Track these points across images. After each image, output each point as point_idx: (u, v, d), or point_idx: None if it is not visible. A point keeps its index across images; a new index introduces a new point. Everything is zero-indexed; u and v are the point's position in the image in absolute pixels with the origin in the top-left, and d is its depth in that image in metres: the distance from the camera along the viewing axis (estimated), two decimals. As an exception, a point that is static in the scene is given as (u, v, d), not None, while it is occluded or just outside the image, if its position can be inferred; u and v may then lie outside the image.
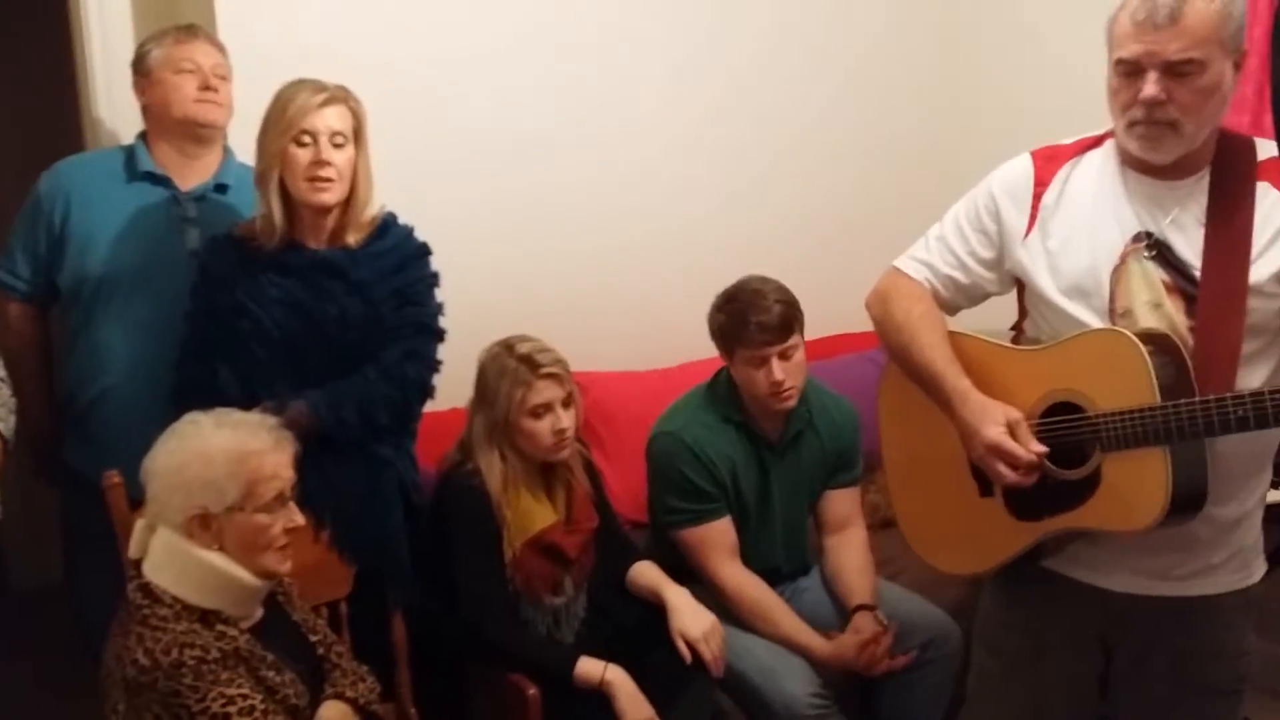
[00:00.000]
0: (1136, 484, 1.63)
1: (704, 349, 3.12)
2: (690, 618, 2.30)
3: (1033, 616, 1.87)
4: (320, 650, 1.94)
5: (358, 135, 2.20)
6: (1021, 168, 1.80)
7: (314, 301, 2.18)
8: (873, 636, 2.41)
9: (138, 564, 1.78)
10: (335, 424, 2.15)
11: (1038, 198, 1.76)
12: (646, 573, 2.44)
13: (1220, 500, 1.67)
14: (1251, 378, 1.64)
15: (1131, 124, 1.63)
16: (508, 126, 3.03)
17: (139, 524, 1.82)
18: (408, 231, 2.32)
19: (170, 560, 1.75)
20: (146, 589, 1.74)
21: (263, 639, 1.79)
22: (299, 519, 1.83)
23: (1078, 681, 1.86)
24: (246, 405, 1.99)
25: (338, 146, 2.16)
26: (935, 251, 1.87)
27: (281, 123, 2.14)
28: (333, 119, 2.16)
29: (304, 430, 2.02)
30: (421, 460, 2.39)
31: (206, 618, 1.73)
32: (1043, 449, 1.68)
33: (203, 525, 1.75)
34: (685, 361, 3.20)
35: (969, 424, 1.73)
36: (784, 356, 2.45)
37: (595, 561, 2.44)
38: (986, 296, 1.89)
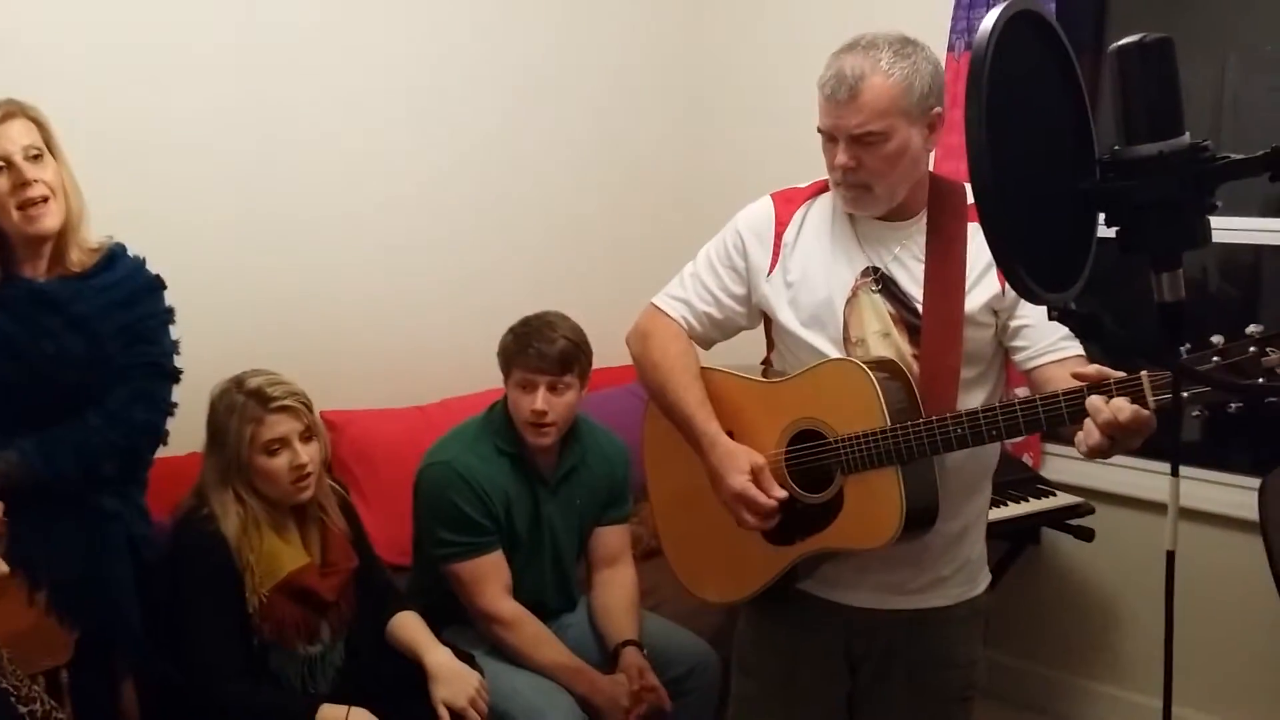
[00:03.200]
0: (874, 503, 1.73)
1: (465, 385, 3.10)
2: (454, 684, 2.24)
3: (785, 638, 1.95)
4: (35, 723, 1.77)
5: (50, 145, 2.03)
6: (763, 208, 1.90)
7: (28, 338, 2.00)
8: (640, 673, 2.43)
9: None
10: (51, 475, 1.97)
11: (779, 236, 1.86)
12: (407, 627, 2.37)
13: (948, 515, 1.78)
14: (972, 401, 1.76)
15: (835, 184, 1.78)
16: (251, 147, 2.88)
17: None
18: (139, 264, 2.16)
19: None
20: None
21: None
22: (2, 567, 1.68)
23: (829, 698, 1.94)
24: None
25: (34, 160, 1.99)
26: (690, 288, 1.94)
27: None
28: (19, 135, 1.98)
29: (15, 482, 1.86)
30: (156, 511, 2.23)
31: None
32: (782, 494, 1.77)
33: None
34: (446, 398, 3.15)
35: (715, 470, 1.81)
36: (553, 390, 2.46)
37: (355, 606, 2.34)
38: (739, 330, 1.97)
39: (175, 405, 2.16)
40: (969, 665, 1.92)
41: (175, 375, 2.16)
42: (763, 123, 3.68)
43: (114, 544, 2.10)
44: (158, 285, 2.18)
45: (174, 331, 2.18)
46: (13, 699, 1.77)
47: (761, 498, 1.75)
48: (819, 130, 1.75)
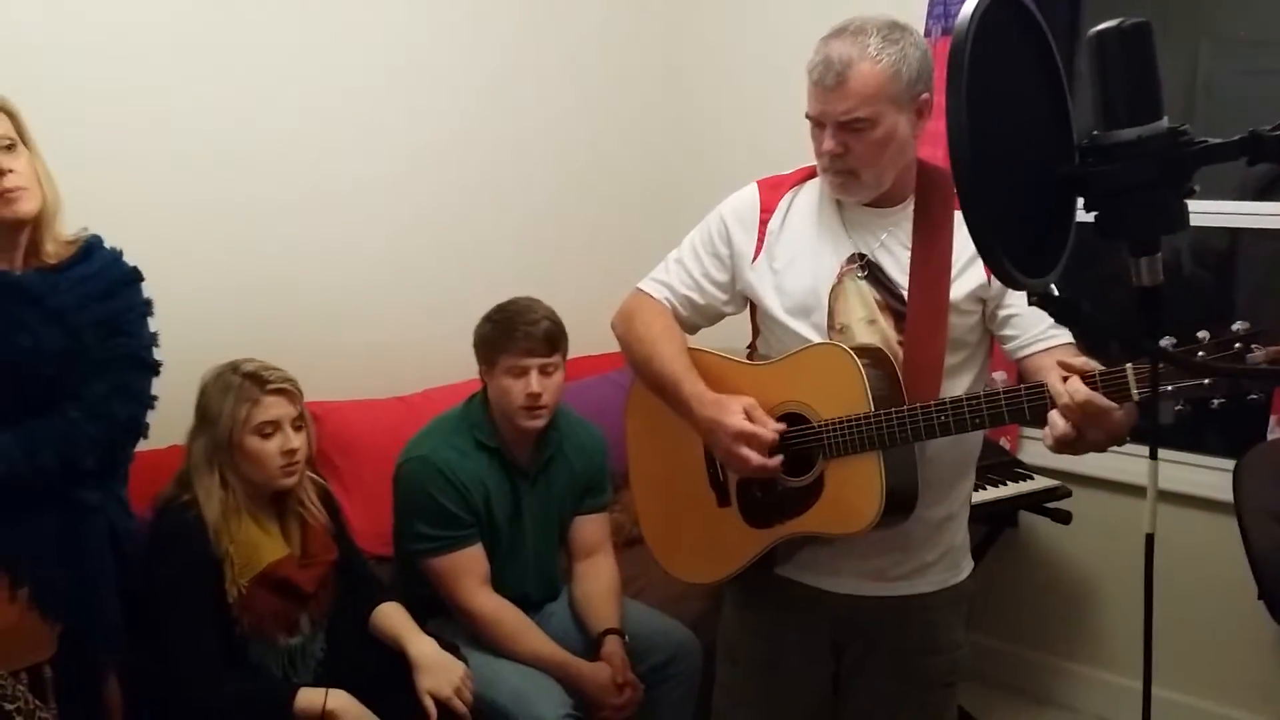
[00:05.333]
0: (854, 488, 1.74)
1: (446, 375, 3.08)
2: (438, 674, 2.24)
3: (768, 622, 1.96)
4: (20, 719, 1.75)
5: (22, 136, 2.01)
6: (749, 195, 1.90)
7: (4, 331, 1.97)
8: (622, 664, 2.44)
9: None
10: (31, 470, 1.95)
11: (764, 224, 1.86)
12: (390, 618, 2.37)
13: (930, 502, 1.80)
14: (955, 388, 1.77)
15: (823, 170, 1.78)
16: (225, 132, 2.84)
17: None
18: (115, 255, 2.14)
19: None
20: None
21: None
22: None
23: (812, 684, 1.95)
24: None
25: (7, 149, 1.97)
26: (674, 273, 1.95)
27: None
28: None
29: (-6, 477, 1.82)
30: (137, 504, 2.21)
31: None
32: (780, 426, 1.77)
33: None
34: (428, 388, 3.14)
35: (710, 418, 1.80)
36: (544, 372, 2.47)
37: (335, 598, 2.34)
38: (722, 316, 1.97)
39: (155, 398, 2.14)
40: (953, 650, 1.93)
41: (155, 368, 2.14)
42: (747, 109, 3.69)
43: (95, 537, 2.07)
44: (135, 277, 2.15)
45: (152, 324, 2.16)
46: (-4, 695, 1.76)
47: (762, 430, 1.75)
48: (807, 116, 1.75)
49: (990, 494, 2.99)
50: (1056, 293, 1.18)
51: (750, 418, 1.76)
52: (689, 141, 3.85)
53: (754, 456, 1.75)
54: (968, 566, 1.95)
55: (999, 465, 3.11)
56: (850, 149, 1.71)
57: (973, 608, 1.97)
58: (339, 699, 2.14)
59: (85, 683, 2.07)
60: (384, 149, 3.17)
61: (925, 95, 1.73)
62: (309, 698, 2.13)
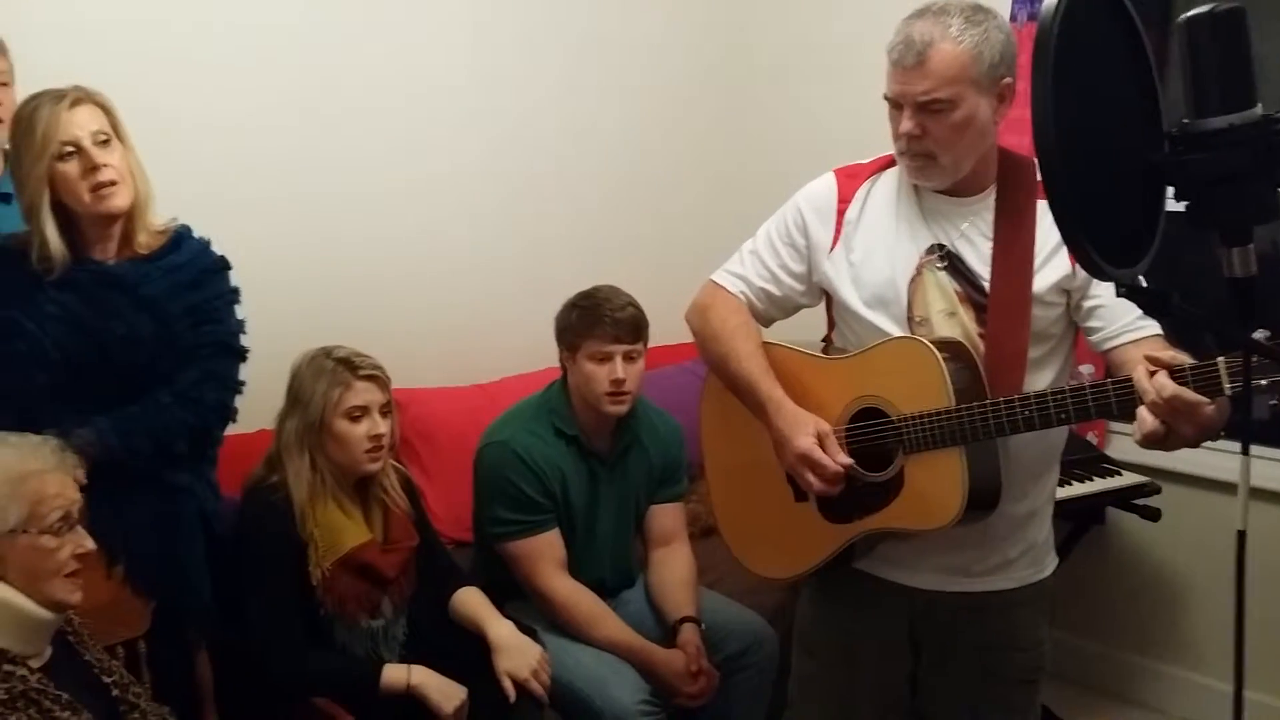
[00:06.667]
0: (935, 484, 1.71)
1: (524, 363, 3.12)
2: (516, 656, 2.26)
3: (846, 617, 1.94)
4: (116, 692, 1.83)
5: (117, 130, 2.07)
6: (826, 185, 1.88)
7: (99, 320, 2.04)
8: (697, 652, 2.44)
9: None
10: (127, 453, 2.02)
11: (841, 214, 1.84)
12: (469, 602, 2.40)
13: (1013, 498, 1.76)
14: (1039, 381, 1.73)
15: (900, 153, 1.74)
16: (310, 125, 2.92)
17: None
18: (204, 245, 2.20)
19: None
20: None
21: (54, 680, 1.67)
22: (89, 544, 1.75)
23: (889, 679, 1.93)
24: (25, 436, 1.84)
25: (103, 144, 2.03)
26: (749, 265, 1.93)
27: (35, 145, 1.98)
28: (88, 120, 2.02)
29: (92, 459, 1.90)
30: (225, 487, 2.27)
31: (-9, 657, 1.62)
32: (848, 461, 1.75)
33: None
34: (505, 376, 3.17)
35: (781, 433, 1.78)
36: (628, 358, 2.49)
37: (416, 583, 2.38)
38: (798, 308, 1.95)
39: (243, 383, 2.20)
40: (1034, 648, 1.89)
41: (242, 354, 2.20)
42: (824, 97, 3.63)
43: (187, 518, 2.14)
44: (223, 266, 2.21)
45: (239, 311, 2.22)
46: (95, 670, 1.82)
47: (828, 461, 1.73)
48: (885, 98, 1.72)
49: (1076, 489, 2.92)
50: (1145, 284, 1.15)
51: (822, 444, 1.75)
52: (766, 129, 3.81)
53: (816, 484, 1.75)
54: (1051, 563, 1.91)
55: (1085, 460, 3.04)
56: (928, 131, 1.67)
57: (1056, 605, 1.94)
58: (422, 674, 2.18)
59: (177, 659, 2.14)
60: (465, 141, 3.22)
61: (1008, 80, 1.69)
62: (394, 673, 2.18)
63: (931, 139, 1.68)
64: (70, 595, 1.72)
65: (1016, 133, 1.99)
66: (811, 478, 1.75)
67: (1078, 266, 1.69)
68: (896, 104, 1.70)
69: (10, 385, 2.02)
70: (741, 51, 3.82)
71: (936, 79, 1.64)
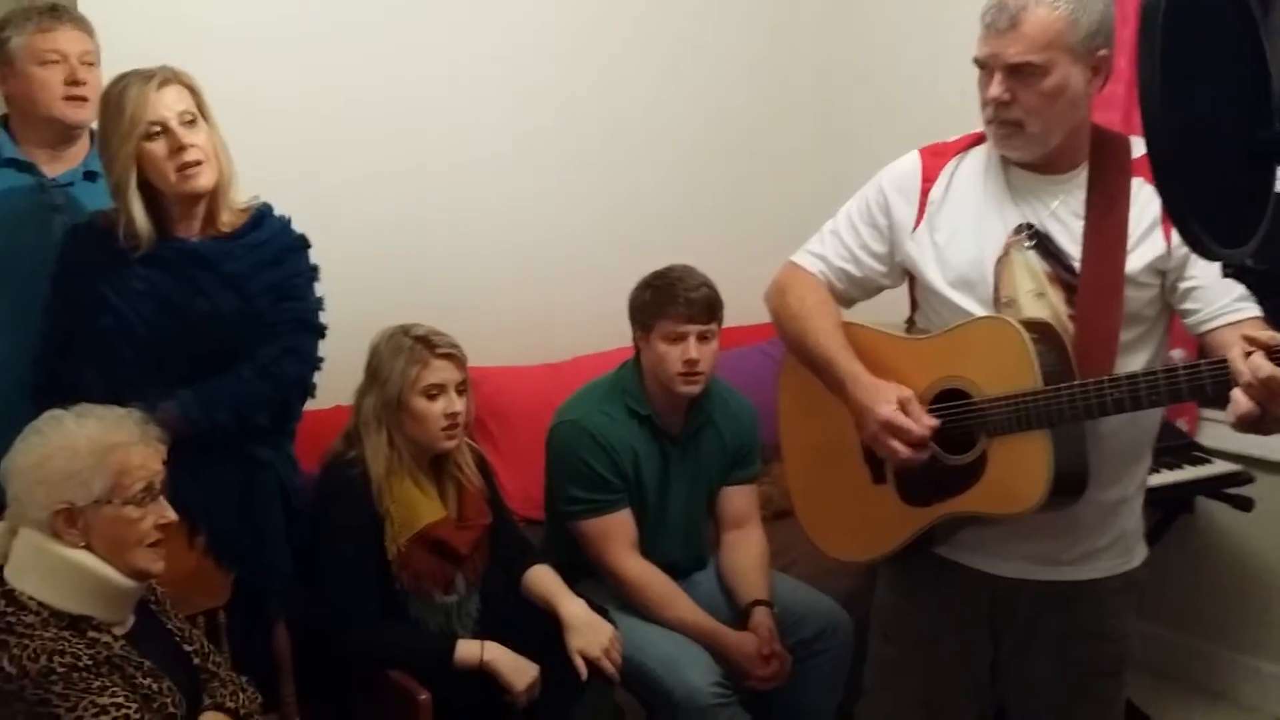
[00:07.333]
0: (1019, 468, 1.66)
1: (596, 342, 3.12)
2: (588, 634, 2.27)
3: (925, 603, 1.90)
4: (196, 660, 1.87)
5: (202, 110, 2.10)
6: (910, 164, 1.83)
7: (184, 296, 2.08)
8: (770, 635, 2.42)
9: (-1, 570, 1.69)
10: (209, 426, 2.06)
11: (925, 193, 1.79)
12: (542, 580, 2.41)
13: (1103, 485, 1.70)
14: (1131, 364, 1.67)
15: (987, 121, 1.69)
16: (391, 105, 2.94)
17: (-1, 527, 1.73)
18: (284, 223, 2.23)
19: (35, 563, 1.69)
20: (10, 595, 1.66)
21: (136, 647, 1.72)
22: (171, 515, 1.77)
23: (969, 667, 1.89)
24: (112, 407, 1.88)
25: (189, 124, 2.06)
26: (829, 245, 1.90)
27: (123, 124, 2.02)
28: (175, 101, 2.05)
29: (175, 432, 1.93)
30: (303, 462, 2.31)
31: (77, 624, 1.66)
32: (934, 422, 1.70)
33: (68, 522, 1.69)
34: (577, 355, 3.17)
35: (862, 403, 1.74)
36: (702, 339, 2.47)
37: (489, 560, 2.39)
38: (879, 289, 1.91)
39: (322, 359, 2.23)
40: (1121, 638, 1.84)
41: (321, 330, 2.23)
42: (911, 75, 3.54)
43: (266, 491, 2.18)
44: (303, 244, 2.24)
45: (318, 289, 2.25)
46: (177, 639, 1.86)
47: (912, 425, 1.68)
48: (975, 61, 1.66)
49: (1166, 478, 2.84)
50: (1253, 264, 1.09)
51: (904, 409, 1.70)
52: (848, 108, 3.74)
53: (901, 449, 1.69)
54: (1141, 553, 1.85)
55: (1176, 448, 2.94)
56: (1017, 97, 1.62)
57: (1145, 596, 1.88)
58: (495, 650, 2.20)
59: (256, 630, 2.18)
60: (542, 119, 3.22)
61: (1103, 52, 1.62)
62: (467, 649, 2.20)
63: (1020, 106, 1.62)
64: (153, 564, 1.75)
65: (1111, 110, 1.92)
66: (896, 444, 1.70)
67: (1173, 245, 1.63)
68: (986, 68, 1.65)
69: (97, 359, 2.06)
70: (835, 30, 3.74)
71: (1029, 43, 1.59)
